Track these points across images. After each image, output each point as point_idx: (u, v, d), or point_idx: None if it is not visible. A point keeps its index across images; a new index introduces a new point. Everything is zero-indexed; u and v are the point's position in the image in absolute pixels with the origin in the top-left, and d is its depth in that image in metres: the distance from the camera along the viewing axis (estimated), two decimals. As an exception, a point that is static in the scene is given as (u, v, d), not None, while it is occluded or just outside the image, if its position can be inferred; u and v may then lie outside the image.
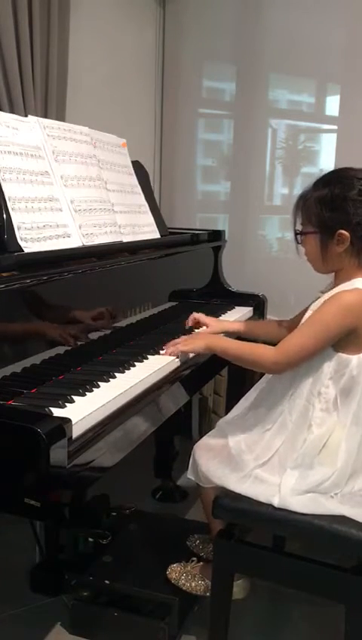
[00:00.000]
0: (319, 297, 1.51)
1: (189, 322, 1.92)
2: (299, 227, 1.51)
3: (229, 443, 1.54)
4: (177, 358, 1.66)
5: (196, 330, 1.92)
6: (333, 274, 1.53)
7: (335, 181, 1.44)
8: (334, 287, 1.49)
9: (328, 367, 1.44)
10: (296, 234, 1.52)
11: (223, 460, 1.53)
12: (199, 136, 3.14)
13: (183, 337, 1.72)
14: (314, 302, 1.51)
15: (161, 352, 1.68)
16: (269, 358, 1.48)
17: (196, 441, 1.65)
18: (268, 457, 1.48)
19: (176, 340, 1.70)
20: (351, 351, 1.42)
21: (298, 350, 1.44)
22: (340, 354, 1.43)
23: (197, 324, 1.92)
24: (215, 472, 1.52)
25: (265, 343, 1.58)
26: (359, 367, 1.42)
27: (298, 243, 1.53)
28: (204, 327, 1.89)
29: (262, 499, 1.42)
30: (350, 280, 1.45)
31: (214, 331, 1.85)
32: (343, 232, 1.42)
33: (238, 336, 1.88)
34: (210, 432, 1.65)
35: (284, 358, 1.45)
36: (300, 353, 1.44)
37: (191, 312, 1.94)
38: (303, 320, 1.49)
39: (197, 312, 1.93)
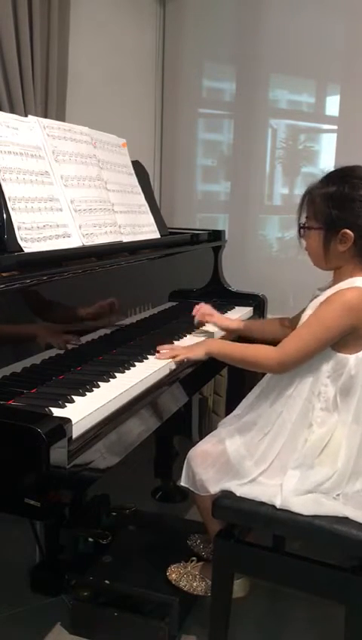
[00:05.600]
0: (317, 295, 1.50)
1: (194, 311, 1.93)
2: (303, 220, 1.51)
3: (228, 449, 1.52)
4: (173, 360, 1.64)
5: (202, 328, 1.95)
6: (332, 272, 1.53)
7: (345, 180, 1.44)
8: (333, 285, 1.49)
9: (326, 367, 1.44)
10: (300, 227, 1.52)
11: (222, 468, 1.51)
12: (199, 136, 3.14)
13: (183, 347, 1.71)
14: (312, 300, 1.51)
15: (153, 356, 1.65)
16: (273, 359, 1.47)
17: (193, 444, 1.63)
18: (268, 463, 1.47)
19: (176, 348, 1.68)
20: (348, 350, 1.43)
21: (301, 350, 1.43)
22: (338, 353, 1.43)
23: (203, 319, 1.94)
24: (214, 480, 1.51)
25: (266, 342, 1.58)
26: (357, 367, 1.42)
27: (300, 237, 1.53)
28: (208, 326, 1.92)
29: (264, 499, 1.42)
30: (349, 279, 1.45)
31: (218, 324, 1.89)
32: (348, 231, 1.42)
33: (241, 334, 1.89)
34: (204, 438, 1.62)
35: (287, 358, 1.45)
36: (303, 352, 1.43)
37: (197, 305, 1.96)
38: (303, 318, 1.49)
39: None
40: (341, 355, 1.43)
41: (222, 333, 1.95)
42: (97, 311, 1.69)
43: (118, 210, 1.94)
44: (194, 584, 1.73)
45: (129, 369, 1.54)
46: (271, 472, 1.47)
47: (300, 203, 1.51)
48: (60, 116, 2.50)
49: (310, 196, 1.48)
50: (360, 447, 1.43)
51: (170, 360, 1.62)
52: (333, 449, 1.44)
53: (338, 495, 1.42)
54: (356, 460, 1.43)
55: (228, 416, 1.66)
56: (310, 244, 1.51)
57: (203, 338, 1.88)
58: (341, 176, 1.45)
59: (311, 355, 1.44)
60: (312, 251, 1.51)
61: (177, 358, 1.63)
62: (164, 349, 1.66)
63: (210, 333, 1.95)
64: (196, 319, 1.94)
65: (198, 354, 1.64)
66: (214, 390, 2.92)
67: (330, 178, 1.46)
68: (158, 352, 1.66)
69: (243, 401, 1.65)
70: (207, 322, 1.95)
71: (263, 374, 1.61)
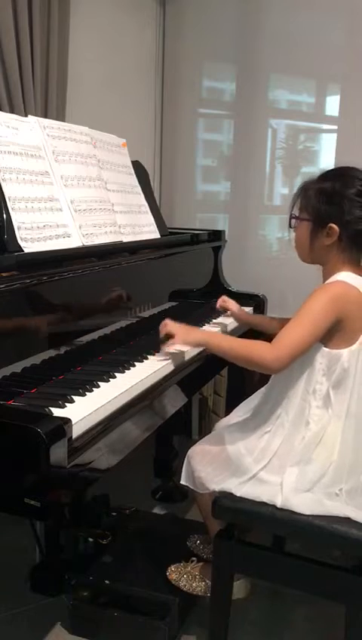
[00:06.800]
0: None
1: (218, 304, 2.02)
2: (296, 212, 1.54)
3: (227, 447, 1.53)
4: (169, 360, 1.62)
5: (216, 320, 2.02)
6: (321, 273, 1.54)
7: (339, 177, 1.47)
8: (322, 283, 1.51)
9: (320, 365, 1.44)
10: (290, 218, 1.55)
11: (221, 465, 1.52)
12: (199, 136, 3.14)
13: (181, 328, 1.66)
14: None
15: (153, 356, 1.63)
16: (270, 354, 1.44)
17: (193, 444, 1.64)
18: (267, 460, 1.47)
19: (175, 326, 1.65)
20: (340, 345, 1.43)
21: (296, 343, 1.43)
22: (330, 350, 1.44)
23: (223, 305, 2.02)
24: (213, 477, 1.51)
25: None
26: (350, 360, 1.43)
27: (290, 227, 1.56)
28: (223, 318, 2.02)
29: (265, 499, 1.42)
30: (334, 275, 1.47)
31: (237, 317, 1.98)
32: (334, 226, 1.45)
33: (258, 329, 1.93)
34: (205, 437, 1.63)
35: (283, 353, 1.43)
36: (299, 346, 1.43)
37: (221, 295, 2.06)
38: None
39: (198, 311, 1.93)
40: (334, 352, 1.43)
41: (236, 325, 2.04)
42: (97, 311, 1.69)
43: (118, 210, 1.94)
44: (194, 584, 1.73)
45: (129, 369, 1.54)
46: (269, 469, 1.47)
47: (294, 195, 1.55)
48: (60, 116, 2.50)
49: (304, 189, 1.52)
50: (355, 440, 1.44)
51: (170, 350, 1.61)
52: (328, 442, 1.44)
53: (340, 490, 1.42)
54: (352, 453, 1.44)
55: (226, 417, 1.66)
56: (298, 235, 1.54)
57: (217, 329, 1.96)
58: (336, 174, 1.49)
59: (305, 348, 1.43)
60: (299, 243, 1.55)
61: (170, 341, 1.62)
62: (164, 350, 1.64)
63: (224, 325, 2.01)
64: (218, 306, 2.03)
65: (191, 339, 1.61)
66: (214, 390, 2.92)
67: (326, 175, 1.50)
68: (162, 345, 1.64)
69: (243, 404, 1.65)
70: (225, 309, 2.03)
71: (261, 374, 1.61)
